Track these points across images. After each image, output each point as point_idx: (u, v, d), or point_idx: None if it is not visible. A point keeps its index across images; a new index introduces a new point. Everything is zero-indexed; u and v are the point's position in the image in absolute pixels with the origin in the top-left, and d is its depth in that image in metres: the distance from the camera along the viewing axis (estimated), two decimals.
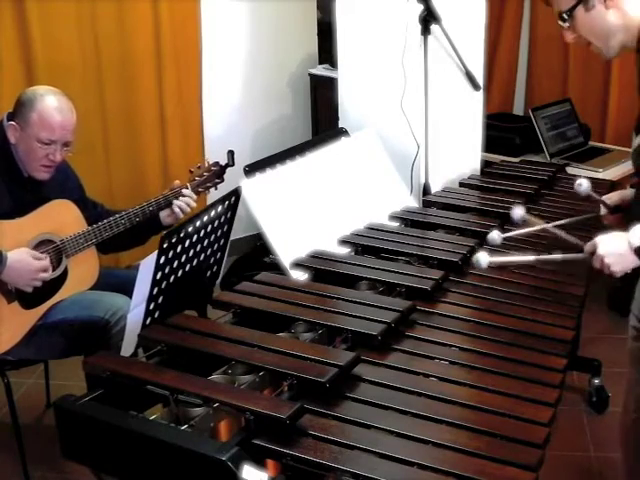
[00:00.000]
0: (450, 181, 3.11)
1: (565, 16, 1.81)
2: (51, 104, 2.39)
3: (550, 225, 2.06)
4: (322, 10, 4.36)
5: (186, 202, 2.62)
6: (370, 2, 3.18)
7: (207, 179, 2.71)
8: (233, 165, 2.73)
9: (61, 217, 2.48)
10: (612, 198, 2.18)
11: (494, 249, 2.14)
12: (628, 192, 2.18)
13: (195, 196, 2.65)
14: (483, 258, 1.86)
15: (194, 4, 3.94)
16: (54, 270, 2.42)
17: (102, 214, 2.59)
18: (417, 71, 2.95)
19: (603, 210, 2.19)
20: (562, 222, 2.27)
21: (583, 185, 2.15)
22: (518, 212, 2.11)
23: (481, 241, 2.34)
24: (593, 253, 1.74)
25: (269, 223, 2.25)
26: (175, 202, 2.61)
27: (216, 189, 2.74)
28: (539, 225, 2.10)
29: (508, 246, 2.26)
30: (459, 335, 1.83)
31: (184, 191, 2.62)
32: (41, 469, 2.64)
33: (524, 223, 2.13)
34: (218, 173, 2.73)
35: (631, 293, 1.98)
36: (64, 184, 2.56)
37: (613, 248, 1.70)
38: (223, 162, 2.74)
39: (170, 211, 2.62)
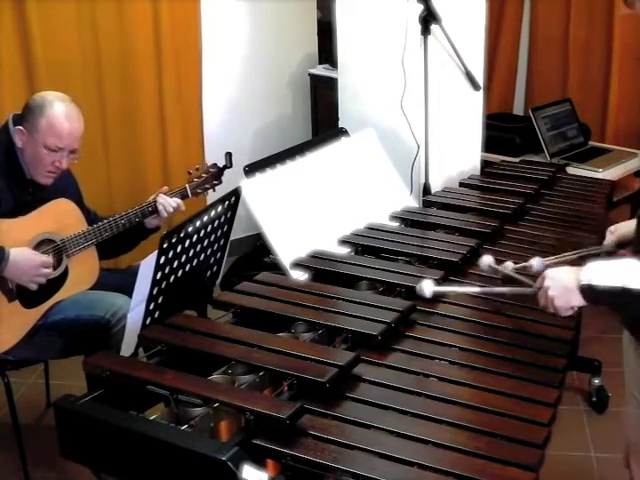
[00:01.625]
0: (450, 181, 3.11)
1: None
2: (60, 111, 2.39)
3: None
4: (322, 10, 4.36)
5: (168, 203, 2.62)
6: (370, 2, 3.18)
7: (205, 181, 2.72)
8: (231, 167, 2.75)
9: (62, 217, 2.48)
10: (621, 229, 1.99)
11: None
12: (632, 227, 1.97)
13: (172, 202, 2.63)
14: (427, 287, 1.81)
15: (194, 4, 3.94)
16: (55, 270, 2.42)
17: (94, 220, 2.58)
18: (417, 71, 2.95)
19: (608, 242, 2.01)
20: (562, 258, 2.05)
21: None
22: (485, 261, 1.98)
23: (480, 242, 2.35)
24: (540, 287, 1.63)
25: (269, 223, 2.25)
26: (158, 200, 2.61)
27: (214, 191, 2.75)
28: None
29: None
30: (459, 335, 1.83)
31: (161, 195, 2.61)
32: (41, 469, 2.64)
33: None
34: (216, 175, 2.75)
35: None
36: (64, 188, 2.56)
37: (559, 281, 1.58)
38: (221, 164, 2.75)
39: (157, 213, 2.62)
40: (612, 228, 2.03)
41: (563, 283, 1.57)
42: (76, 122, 2.43)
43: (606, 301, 1.54)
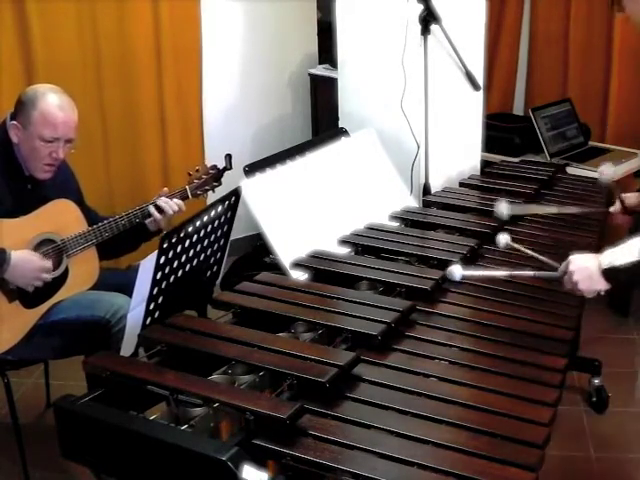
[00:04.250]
0: (450, 181, 3.11)
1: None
2: (52, 101, 2.38)
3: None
4: (322, 10, 4.36)
5: (169, 205, 2.61)
6: (370, 2, 3.18)
7: (205, 182, 2.72)
8: (231, 169, 2.76)
9: (62, 217, 2.48)
10: (630, 199, 2.23)
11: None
12: None
13: (174, 205, 2.63)
14: (457, 271, 1.90)
15: (194, 4, 3.94)
16: (55, 270, 2.42)
17: (96, 220, 2.58)
18: (417, 71, 2.95)
19: (616, 207, 2.26)
20: (571, 210, 2.30)
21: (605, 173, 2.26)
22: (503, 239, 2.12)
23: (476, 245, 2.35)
24: (565, 272, 1.75)
25: (269, 223, 2.25)
26: (159, 203, 2.60)
27: (214, 192, 2.75)
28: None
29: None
30: (459, 335, 1.83)
31: (162, 198, 2.61)
32: (41, 469, 2.64)
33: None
34: (216, 176, 2.75)
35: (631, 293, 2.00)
36: (64, 185, 2.56)
37: (583, 267, 1.71)
38: (221, 165, 2.76)
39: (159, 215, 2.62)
40: (622, 196, 2.25)
41: (586, 269, 1.70)
42: (69, 111, 2.42)
43: (628, 277, 1.69)
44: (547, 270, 1.92)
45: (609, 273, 1.68)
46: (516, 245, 2.10)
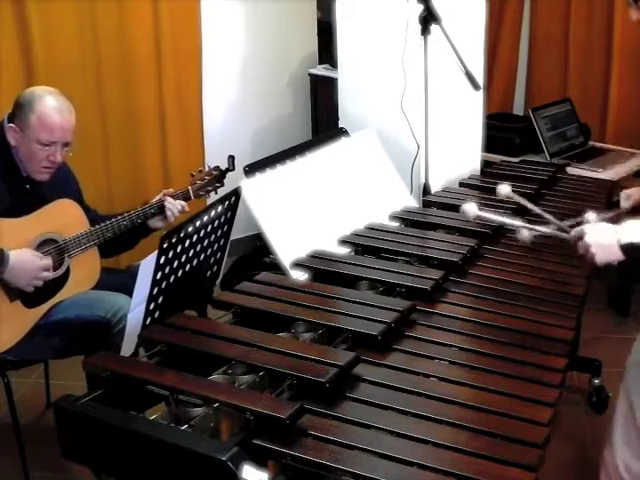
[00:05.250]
0: (450, 181, 3.11)
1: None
2: (50, 105, 2.38)
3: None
4: (322, 10, 4.36)
5: (175, 206, 2.63)
6: (370, 2, 3.18)
7: (208, 183, 2.74)
8: (233, 170, 2.77)
9: (64, 217, 2.48)
10: (632, 196, 2.24)
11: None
12: None
13: (178, 206, 2.64)
14: (471, 209, 1.97)
15: (194, 4, 3.95)
16: (56, 270, 2.43)
17: (95, 219, 2.58)
18: (417, 71, 2.95)
19: (624, 205, 2.24)
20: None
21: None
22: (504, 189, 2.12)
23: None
24: (580, 238, 1.79)
25: (269, 223, 2.25)
26: (167, 205, 2.62)
27: (216, 193, 2.76)
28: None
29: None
30: (459, 335, 1.83)
31: (167, 198, 2.62)
32: (41, 469, 2.64)
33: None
34: (218, 177, 2.76)
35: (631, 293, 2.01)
36: (64, 185, 2.56)
37: (600, 239, 1.74)
38: (223, 166, 2.76)
39: (162, 215, 2.63)
40: (628, 193, 2.26)
41: (604, 241, 1.73)
42: (67, 114, 2.41)
43: None
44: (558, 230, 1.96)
45: (628, 249, 1.71)
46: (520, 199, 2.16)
